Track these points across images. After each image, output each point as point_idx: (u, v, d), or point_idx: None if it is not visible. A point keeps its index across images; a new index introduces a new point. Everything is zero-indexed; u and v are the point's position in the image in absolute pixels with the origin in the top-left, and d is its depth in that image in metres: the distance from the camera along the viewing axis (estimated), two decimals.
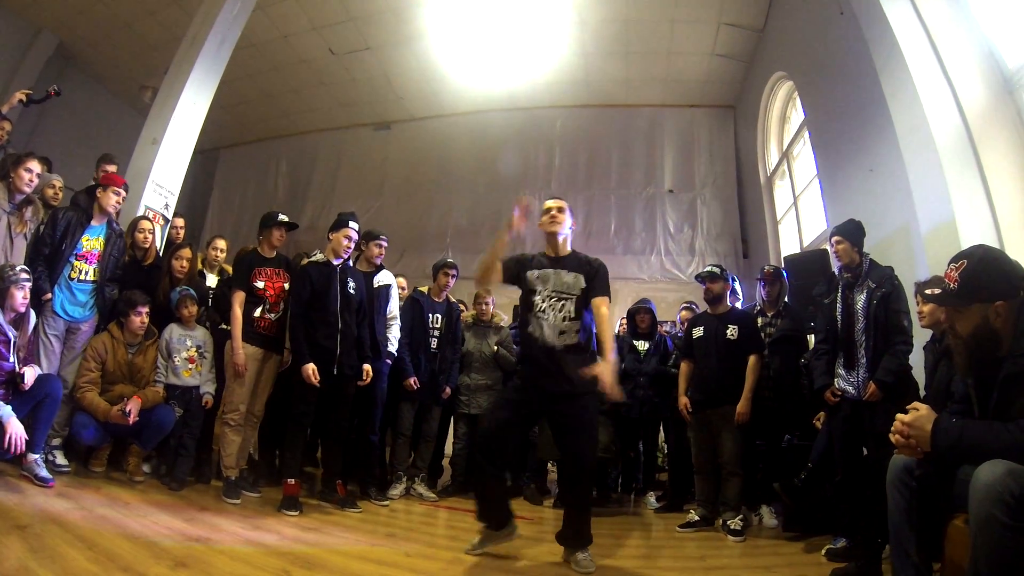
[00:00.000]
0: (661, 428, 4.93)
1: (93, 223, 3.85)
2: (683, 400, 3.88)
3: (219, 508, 3.29)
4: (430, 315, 4.54)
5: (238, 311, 3.65)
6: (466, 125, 9.22)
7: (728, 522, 3.46)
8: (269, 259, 3.84)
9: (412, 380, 4.26)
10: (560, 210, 2.87)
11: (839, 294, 3.17)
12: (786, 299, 4.17)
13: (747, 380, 3.63)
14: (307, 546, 2.78)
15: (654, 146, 8.69)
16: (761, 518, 3.75)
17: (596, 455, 2.77)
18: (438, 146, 9.36)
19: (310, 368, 3.49)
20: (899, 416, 1.67)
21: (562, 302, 2.76)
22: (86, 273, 3.79)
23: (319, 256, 3.80)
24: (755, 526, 3.68)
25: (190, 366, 3.90)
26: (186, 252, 4.18)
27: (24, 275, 3.31)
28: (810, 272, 4.64)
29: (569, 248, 2.91)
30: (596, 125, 8.90)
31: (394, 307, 4.30)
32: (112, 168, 4.91)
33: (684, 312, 5.06)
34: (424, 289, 4.80)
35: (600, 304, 2.73)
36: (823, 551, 2.92)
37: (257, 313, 3.72)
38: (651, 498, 4.61)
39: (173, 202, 5.34)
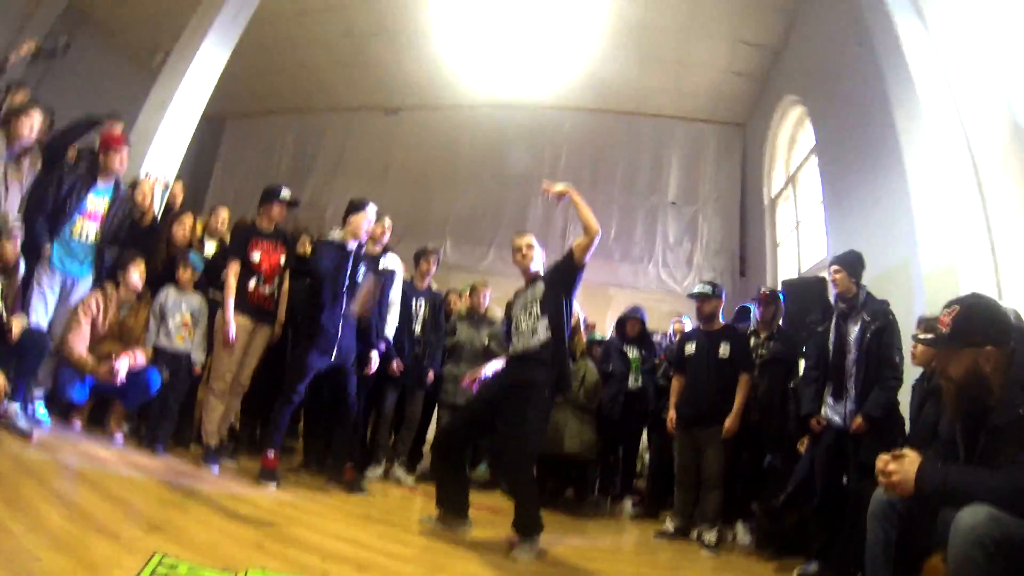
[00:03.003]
0: (644, 434, 4.96)
1: (99, 184, 3.76)
2: (672, 415, 3.90)
3: (196, 475, 3.27)
4: (413, 300, 4.52)
5: (231, 280, 3.62)
6: (474, 118, 9.21)
7: (704, 535, 3.49)
8: (267, 232, 3.81)
9: (396, 362, 4.23)
10: (529, 247, 3.14)
11: (833, 323, 3.20)
12: (780, 322, 4.19)
13: (737, 397, 3.66)
14: (283, 520, 2.77)
15: (660, 156, 8.70)
16: (735, 535, 3.78)
17: (533, 446, 2.89)
18: (445, 136, 9.34)
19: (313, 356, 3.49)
20: (882, 456, 1.69)
21: (529, 309, 3.02)
22: (87, 234, 3.68)
23: (336, 235, 3.72)
24: (729, 542, 3.71)
25: (183, 331, 3.87)
26: (188, 219, 4.15)
27: (17, 226, 3.28)
28: (806, 298, 4.62)
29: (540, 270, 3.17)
30: (604, 130, 8.90)
31: (396, 293, 4.27)
32: (118, 127, 4.88)
33: (676, 325, 5.09)
34: (407, 277, 4.77)
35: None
36: (795, 573, 2.95)
37: (251, 285, 3.69)
38: (628, 504, 4.64)
39: (175, 167, 5.29)
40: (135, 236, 4.05)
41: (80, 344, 3.57)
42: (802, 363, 3.90)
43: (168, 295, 3.87)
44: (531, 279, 3.13)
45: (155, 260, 3.98)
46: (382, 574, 2.27)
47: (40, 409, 3.59)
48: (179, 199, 4.97)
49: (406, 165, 9.47)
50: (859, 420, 2.95)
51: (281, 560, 2.16)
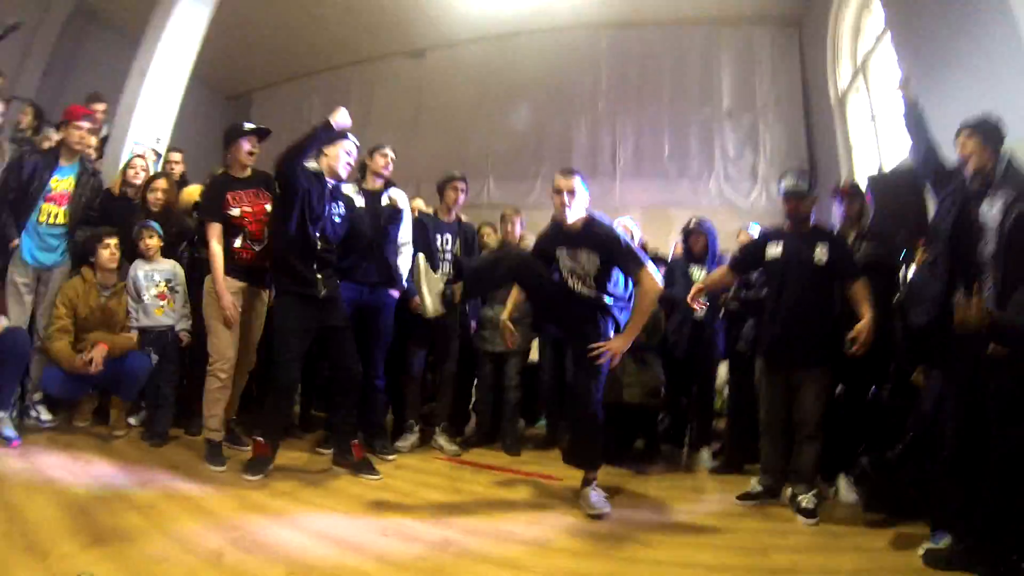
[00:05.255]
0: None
1: (62, 163, 3.50)
2: (696, 288, 3.13)
3: (190, 469, 2.86)
4: (437, 236, 3.87)
5: (216, 247, 3.06)
6: (504, 49, 8.49)
7: (799, 497, 2.72)
8: (243, 179, 3.21)
9: (415, 302, 3.39)
10: (571, 192, 2.80)
11: (956, 207, 2.35)
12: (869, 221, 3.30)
13: (864, 307, 2.70)
14: (266, 517, 2.33)
15: (710, 65, 7.72)
16: (837, 490, 3.03)
17: (593, 385, 2.72)
18: (475, 72, 8.68)
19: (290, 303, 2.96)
20: None
21: (583, 277, 2.82)
22: (56, 216, 3.46)
23: (315, 166, 3.12)
24: (830, 499, 2.96)
25: (161, 303, 3.47)
26: (160, 183, 3.70)
27: None
28: (899, 193, 3.67)
29: (584, 216, 2.87)
30: (645, 44, 7.97)
31: (405, 232, 3.68)
32: (99, 106, 4.57)
33: (743, 234, 4.16)
34: (429, 210, 4.15)
35: (642, 278, 2.71)
36: (920, 551, 2.17)
37: (237, 244, 3.13)
38: (706, 454, 3.89)
39: (166, 135, 4.87)
40: (109, 211, 3.74)
41: (61, 337, 3.27)
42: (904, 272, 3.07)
43: (137, 269, 3.48)
44: (576, 233, 2.82)
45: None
46: None
47: (44, 412, 3.42)
48: (177, 169, 4.56)
49: (437, 108, 8.92)
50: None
51: None
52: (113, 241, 3.38)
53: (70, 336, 3.30)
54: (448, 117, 8.78)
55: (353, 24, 8.57)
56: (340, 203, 3.19)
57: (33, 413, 3.37)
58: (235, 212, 3.14)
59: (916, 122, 2.69)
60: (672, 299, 3.73)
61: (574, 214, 2.81)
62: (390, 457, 3.45)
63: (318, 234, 3.03)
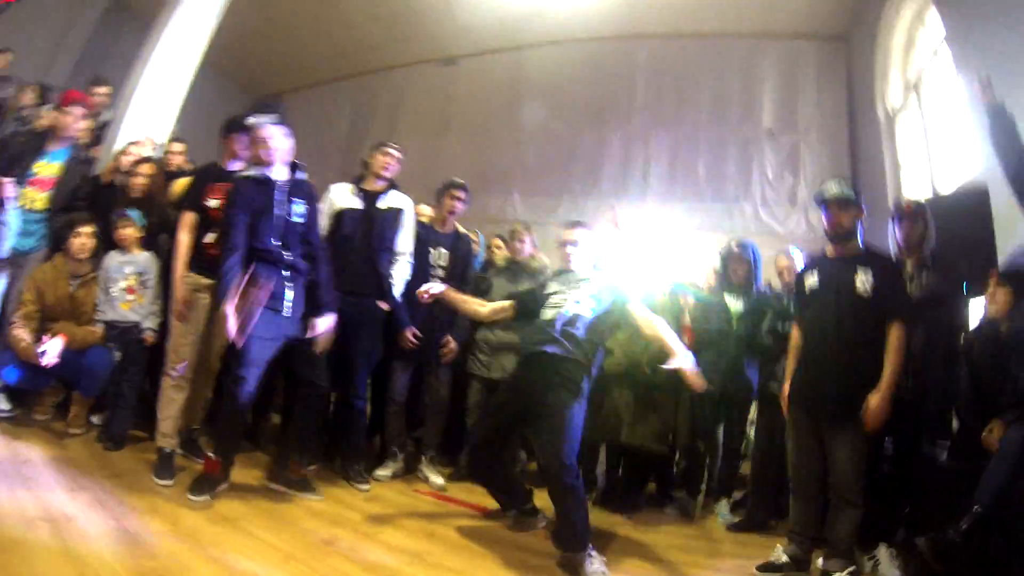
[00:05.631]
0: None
1: (50, 147, 3.41)
2: (785, 389, 2.64)
3: (134, 480, 2.54)
4: (431, 250, 3.53)
5: (184, 237, 2.85)
6: (538, 59, 8.24)
7: (833, 575, 2.27)
8: (230, 173, 2.96)
9: (410, 331, 3.29)
10: (573, 244, 2.78)
11: None
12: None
13: (888, 358, 2.29)
14: (192, 548, 1.98)
15: (752, 81, 7.30)
16: (877, 563, 2.52)
17: (563, 454, 2.31)
18: (508, 82, 8.44)
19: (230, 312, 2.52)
20: None
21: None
22: (36, 201, 3.35)
23: (251, 171, 2.81)
24: (867, 575, 2.47)
25: (129, 297, 3.20)
26: (145, 168, 3.47)
27: None
28: (962, 218, 3.32)
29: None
30: (685, 56, 7.60)
31: (405, 240, 3.35)
32: (102, 90, 4.44)
33: (782, 259, 3.67)
34: (425, 218, 3.77)
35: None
36: None
37: (209, 239, 2.87)
38: (724, 507, 3.40)
39: (169, 125, 4.68)
40: (97, 199, 3.56)
41: (23, 324, 3.05)
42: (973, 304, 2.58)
43: (110, 259, 3.24)
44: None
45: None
46: None
47: (3, 402, 3.17)
48: (176, 160, 4.34)
49: (467, 117, 8.70)
50: None
51: None
52: (86, 229, 3.17)
53: (34, 323, 3.08)
54: (477, 127, 8.57)
55: (385, 29, 8.45)
56: (297, 200, 2.81)
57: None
58: (213, 204, 2.90)
59: (1003, 129, 2.27)
60: (708, 335, 3.31)
61: (580, 262, 2.77)
62: (364, 487, 3.07)
63: (279, 243, 2.71)
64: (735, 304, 3.44)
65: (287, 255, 2.72)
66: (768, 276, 3.68)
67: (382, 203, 3.27)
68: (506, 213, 7.62)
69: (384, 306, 3.23)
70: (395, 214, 3.30)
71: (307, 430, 2.87)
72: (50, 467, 2.54)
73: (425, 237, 3.52)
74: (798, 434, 2.53)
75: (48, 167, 3.36)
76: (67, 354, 2.98)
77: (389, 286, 3.24)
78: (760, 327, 3.29)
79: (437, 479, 3.38)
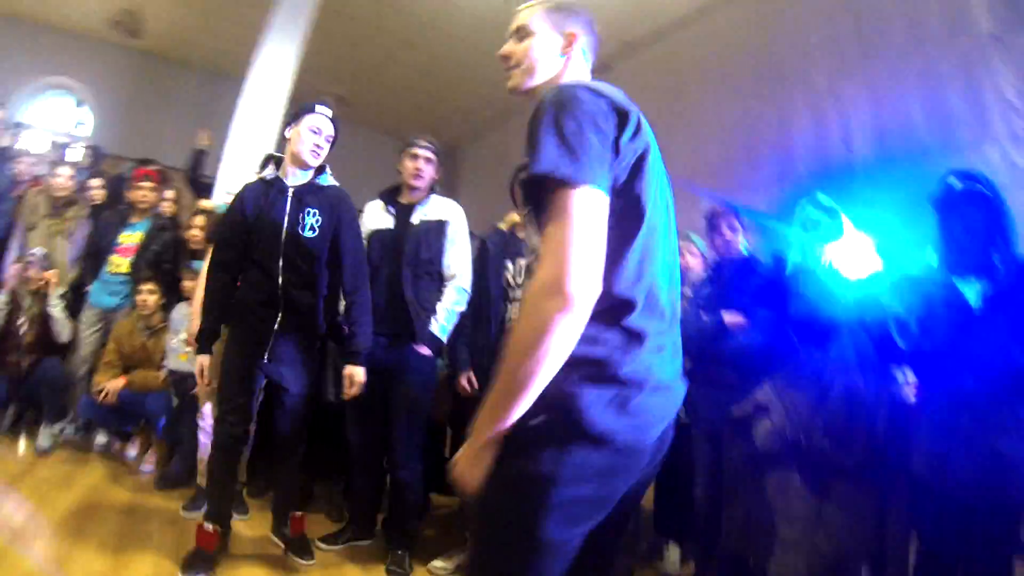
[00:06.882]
0: None
1: (132, 220, 3.80)
2: None
3: (138, 525, 2.56)
4: (510, 264, 2.75)
5: (207, 268, 2.60)
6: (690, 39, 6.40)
7: None
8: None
9: (466, 378, 2.67)
10: None
11: None
12: None
13: None
14: None
15: None
16: None
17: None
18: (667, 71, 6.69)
19: (204, 360, 2.33)
20: None
21: None
22: (121, 266, 3.73)
23: (268, 171, 2.40)
24: None
25: (187, 349, 3.33)
26: (197, 220, 3.71)
27: (31, 256, 3.60)
28: None
29: None
30: None
31: (456, 258, 2.65)
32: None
33: None
34: (503, 226, 2.92)
35: None
36: None
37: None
38: (674, 552, 2.83)
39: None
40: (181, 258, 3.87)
41: (106, 370, 3.46)
42: None
43: (178, 311, 3.46)
44: None
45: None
46: None
47: (101, 435, 3.64)
48: None
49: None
50: None
51: None
52: (147, 287, 3.47)
53: (115, 371, 3.45)
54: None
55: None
56: (312, 211, 2.33)
57: (99, 437, 3.59)
58: None
59: None
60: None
61: None
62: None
63: (277, 262, 2.28)
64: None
65: (281, 279, 2.27)
66: None
67: (415, 217, 2.62)
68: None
69: (424, 350, 2.54)
70: (434, 228, 2.62)
71: (288, 474, 2.51)
72: (85, 497, 2.77)
73: (498, 248, 2.78)
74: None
75: (130, 237, 3.76)
76: (127, 395, 3.33)
77: (421, 323, 2.53)
78: None
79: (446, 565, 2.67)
